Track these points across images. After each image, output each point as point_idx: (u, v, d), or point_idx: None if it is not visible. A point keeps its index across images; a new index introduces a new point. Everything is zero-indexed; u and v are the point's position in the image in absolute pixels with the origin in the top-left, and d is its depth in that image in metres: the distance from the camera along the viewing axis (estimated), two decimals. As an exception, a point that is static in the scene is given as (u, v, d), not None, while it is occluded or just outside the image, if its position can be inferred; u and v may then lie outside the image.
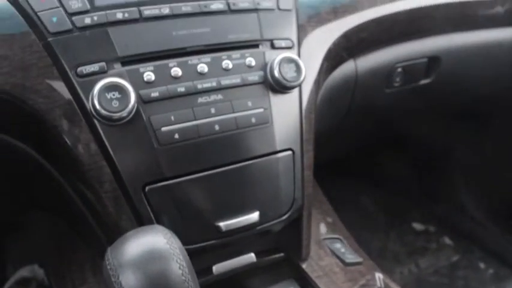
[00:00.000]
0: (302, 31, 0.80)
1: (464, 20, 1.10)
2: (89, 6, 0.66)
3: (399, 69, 1.03)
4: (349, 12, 0.89)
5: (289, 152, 0.75)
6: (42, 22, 0.65)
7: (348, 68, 0.94)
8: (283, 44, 0.76)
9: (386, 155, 1.73)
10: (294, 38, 0.78)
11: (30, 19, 0.65)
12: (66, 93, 0.65)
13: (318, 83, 0.81)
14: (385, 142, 1.64)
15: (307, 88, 0.78)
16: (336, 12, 0.88)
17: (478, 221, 1.72)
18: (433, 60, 1.08)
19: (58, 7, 0.66)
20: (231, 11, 0.73)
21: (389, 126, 1.39)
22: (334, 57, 0.86)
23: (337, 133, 1.14)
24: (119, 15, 0.67)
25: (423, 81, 1.10)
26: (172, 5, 0.70)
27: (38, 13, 0.65)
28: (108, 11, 0.67)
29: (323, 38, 0.83)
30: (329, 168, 1.30)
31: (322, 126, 0.90)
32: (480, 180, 1.69)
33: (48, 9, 0.66)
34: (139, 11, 0.68)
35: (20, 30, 0.65)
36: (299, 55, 0.77)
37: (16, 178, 0.86)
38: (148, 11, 0.69)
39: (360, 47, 0.93)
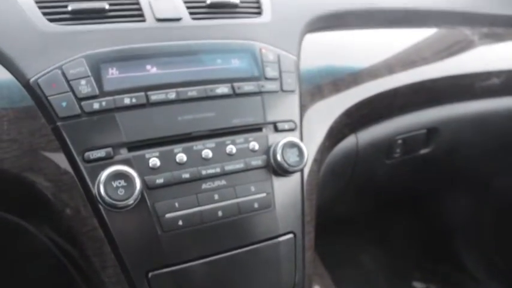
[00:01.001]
0: (304, 109, 0.82)
1: (462, 92, 1.13)
2: (97, 91, 0.68)
3: (399, 141, 1.05)
4: (350, 87, 0.92)
5: (291, 235, 0.75)
6: (52, 106, 0.66)
7: (349, 142, 0.96)
8: (286, 126, 0.77)
9: (387, 214, 1.73)
10: (297, 119, 0.79)
11: (41, 103, 0.67)
12: (73, 178, 0.66)
13: (320, 162, 0.82)
14: (385, 204, 1.65)
15: (309, 169, 0.79)
16: (337, 88, 0.90)
17: (479, 280, 1.71)
18: (432, 131, 1.10)
19: (68, 91, 0.67)
20: (236, 94, 0.75)
21: (390, 192, 1.41)
22: (336, 134, 0.88)
23: (338, 200, 1.15)
24: (127, 101, 0.69)
25: (423, 151, 1.12)
26: (178, 89, 0.72)
27: (49, 97, 0.67)
28: (116, 96, 0.69)
29: (324, 116, 0.86)
30: (329, 226, 1.30)
31: (322, 198, 0.90)
32: (480, 240, 1.69)
33: (58, 94, 0.67)
34: (147, 96, 0.70)
35: (30, 114, 0.67)
36: (301, 136, 0.79)
37: (18, 258, 0.86)
38: (155, 96, 0.70)
39: (361, 122, 0.95)
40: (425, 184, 1.49)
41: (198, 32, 0.78)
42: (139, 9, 0.77)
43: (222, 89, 0.74)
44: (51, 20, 0.72)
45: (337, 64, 0.93)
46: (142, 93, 0.70)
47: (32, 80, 0.67)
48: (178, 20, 0.78)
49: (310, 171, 0.79)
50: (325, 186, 0.92)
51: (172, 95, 0.71)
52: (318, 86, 0.87)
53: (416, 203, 1.69)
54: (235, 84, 0.75)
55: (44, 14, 0.72)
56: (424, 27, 1.12)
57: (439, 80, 1.04)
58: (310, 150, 0.77)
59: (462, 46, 1.16)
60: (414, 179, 1.31)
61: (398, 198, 1.61)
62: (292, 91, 0.80)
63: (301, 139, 0.78)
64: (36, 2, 0.73)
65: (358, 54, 0.97)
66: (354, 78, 0.93)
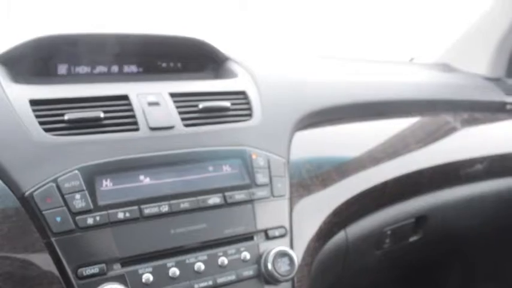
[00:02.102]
0: (293, 211, 0.84)
1: (447, 179, 1.16)
2: (92, 206, 0.70)
3: (388, 232, 1.07)
4: (337, 183, 0.94)
5: None
6: (46, 221, 0.67)
7: (338, 238, 0.97)
8: (276, 233, 0.79)
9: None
10: (287, 224, 0.81)
11: (35, 217, 0.68)
12: None
13: (310, 265, 0.83)
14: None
15: (300, 275, 0.80)
16: (325, 184, 0.92)
17: None
18: (420, 219, 1.12)
19: (62, 206, 0.69)
20: (227, 204, 0.77)
21: (381, 277, 1.41)
22: (326, 234, 0.89)
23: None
24: (120, 215, 0.70)
25: (412, 239, 1.14)
26: (171, 202, 0.73)
27: (43, 212, 0.68)
28: (110, 211, 0.70)
29: (314, 217, 0.87)
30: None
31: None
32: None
33: (53, 208, 0.68)
34: (140, 210, 0.71)
35: (24, 228, 0.68)
36: (291, 241, 0.80)
37: None
38: (149, 209, 0.72)
39: (351, 218, 0.97)
40: (417, 264, 1.49)
41: (190, 139, 0.81)
42: (133, 116, 0.80)
43: (214, 200, 0.76)
44: (47, 130, 0.74)
45: (324, 160, 0.96)
46: (136, 207, 0.71)
47: (27, 194, 0.68)
48: (171, 128, 0.80)
49: (301, 277, 0.80)
50: (316, 285, 0.93)
51: (165, 207, 0.73)
52: (306, 184, 0.90)
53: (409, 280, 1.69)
54: (227, 194, 0.77)
55: (41, 123, 0.74)
56: (408, 116, 1.17)
57: (424, 171, 1.07)
58: (300, 255, 0.78)
59: (445, 133, 1.20)
60: (404, 263, 1.32)
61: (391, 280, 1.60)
62: (283, 196, 0.82)
63: (292, 244, 0.79)
64: (34, 111, 0.76)
65: (343, 148, 1.01)
66: (341, 173, 0.96)
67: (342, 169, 0.97)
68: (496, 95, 1.37)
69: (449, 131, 1.21)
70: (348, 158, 0.99)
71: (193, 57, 1.05)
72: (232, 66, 1.03)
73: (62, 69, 0.96)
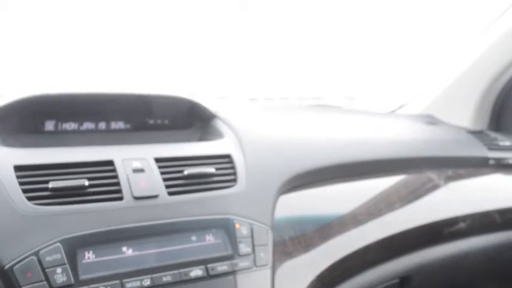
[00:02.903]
0: (275, 279, 0.84)
1: (431, 238, 1.16)
2: (73, 280, 0.69)
3: (373, 293, 1.07)
4: (319, 247, 0.95)
5: None
6: None
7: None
8: None
9: None
10: None
11: None
12: None
13: None
14: None
15: None
16: (307, 249, 0.93)
17: None
18: (404, 280, 1.12)
19: (43, 281, 0.68)
20: (209, 276, 0.77)
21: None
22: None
23: None
24: None
25: (397, 299, 1.14)
26: (153, 276, 0.73)
27: (22, 287, 0.67)
28: (91, 285, 0.70)
29: (296, 285, 0.87)
30: None
31: None
32: None
33: (33, 283, 0.68)
34: (122, 284, 0.71)
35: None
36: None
37: None
38: (130, 283, 0.72)
39: (333, 283, 0.97)
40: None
41: (174, 209, 0.81)
42: (118, 184, 0.80)
43: (196, 272, 0.76)
44: (30, 199, 0.74)
45: (306, 224, 0.97)
46: (118, 282, 0.71)
47: (7, 267, 0.68)
48: (155, 197, 0.81)
49: None
50: None
51: (147, 281, 0.73)
52: (289, 250, 0.90)
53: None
54: (209, 266, 0.77)
55: (24, 191, 0.74)
56: (392, 175, 1.19)
57: (408, 232, 1.08)
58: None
59: (429, 191, 1.22)
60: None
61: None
62: (265, 265, 0.83)
63: None
64: (18, 177, 0.76)
65: (326, 211, 1.02)
66: (324, 237, 0.96)
67: (324, 233, 0.97)
68: (479, 150, 1.39)
69: (433, 188, 1.23)
70: (331, 221, 1.00)
71: (181, 115, 1.06)
72: (219, 125, 1.05)
73: (50, 125, 0.96)
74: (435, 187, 1.23)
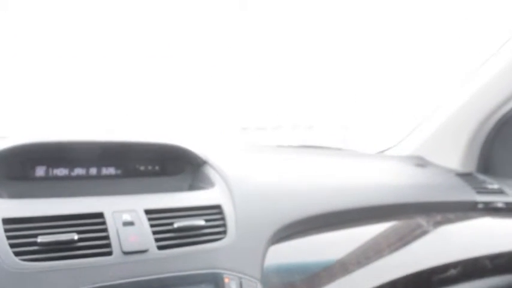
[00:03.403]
0: None
1: (421, 285, 1.16)
2: None
3: None
4: None
5: None
6: None
7: None
8: None
9: None
10: None
11: None
12: None
13: None
14: None
15: None
16: None
17: None
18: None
19: None
20: None
21: None
22: None
23: None
24: None
25: None
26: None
27: None
28: None
29: None
30: None
31: None
32: None
33: None
34: None
35: None
36: None
37: None
38: None
39: None
40: None
41: (163, 264, 0.81)
42: (107, 237, 0.80)
43: None
44: (18, 254, 0.73)
45: (295, 275, 0.97)
46: None
47: None
48: (144, 252, 0.81)
49: None
50: None
51: None
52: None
53: None
54: None
55: (12, 245, 0.74)
56: (381, 221, 1.19)
57: (398, 281, 1.08)
58: None
59: (418, 237, 1.22)
60: None
61: None
62: None
63: None
64: (6, 231, 0.75)
65: (314, 261, 1.02)
66: (312, 286, 0.96)
67: (313, 283, 0.97)
68: (468, 194, 1.41)
69: (422, 234, 1.23)
70: (320, 271, 1.00)
71: (171, 161, 1.07)
72: (209, 172, 1.05)
73: (40, 171, 0.96)
74: (424, 233, 1.24)
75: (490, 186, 1.47)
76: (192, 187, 1.05)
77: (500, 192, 1.45)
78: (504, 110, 1.57)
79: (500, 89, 1.56)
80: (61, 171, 0.98)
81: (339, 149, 1.64)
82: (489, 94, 1.58)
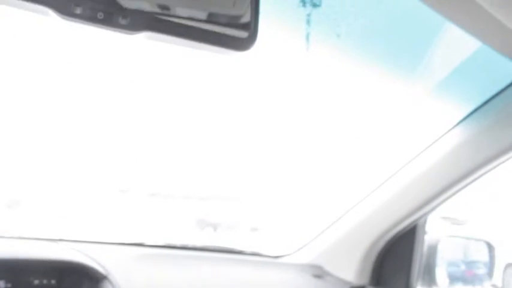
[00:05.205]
0: None
1: None
2: None
3: None
4: None
5: None
6: None
7: None
8: None
9: None
10: None
11: None
12: None
13: None
14: None
15: None
16: None
17: None
18: None
19: None
20: None
21: None
22: None
23: None
24: None
25: None
26: None
27: None
28: None
29: None
30: None
31: None
32: None
33: None
34: None
35: None
36: None
37: None
38: None
39: None
40: None
41: None
42: None
43: None
44: None
45: None
46: None
47: None
48: None
49: None
50: None
51: None
52: None
53: None
54: None
55: None
56: None
57: None
58: None
59: None
60: None
61: None
62: None
63: None
64: None
65: None
66: None
67: None
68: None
69: None
70: None
71: (69, 275, 1.06)
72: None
73: None
74: None
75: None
76: None
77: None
78: (396, 230, 1.72)
79: (395, 210, 1.71)
80: None
81: (241, 252, 1.68)
82: (386, 213, 1.73)
